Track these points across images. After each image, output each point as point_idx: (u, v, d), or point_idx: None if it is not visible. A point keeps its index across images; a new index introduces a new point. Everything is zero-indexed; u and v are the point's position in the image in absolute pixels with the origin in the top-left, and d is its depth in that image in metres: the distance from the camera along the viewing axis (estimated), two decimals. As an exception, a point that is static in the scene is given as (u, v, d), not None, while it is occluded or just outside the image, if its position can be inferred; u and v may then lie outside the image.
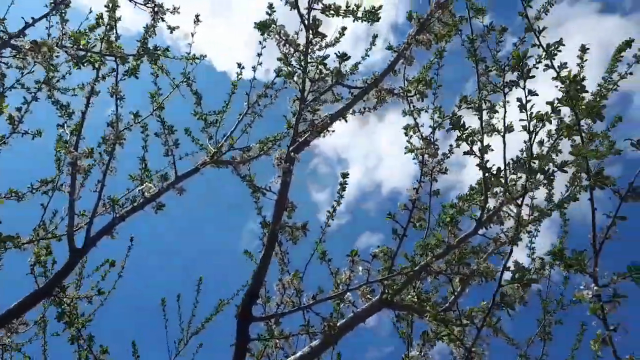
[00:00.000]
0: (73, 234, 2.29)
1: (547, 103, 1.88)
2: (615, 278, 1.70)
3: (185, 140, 2.75)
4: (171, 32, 2.23)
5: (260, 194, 2.05)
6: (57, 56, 1.97)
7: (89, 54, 1.95)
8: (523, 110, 1.82)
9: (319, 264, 2.39)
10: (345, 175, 2.34)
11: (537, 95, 1.80)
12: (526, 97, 1.80)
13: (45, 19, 2.20)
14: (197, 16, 2.65)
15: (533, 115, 1.84)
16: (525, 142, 2.26)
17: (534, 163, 1.87)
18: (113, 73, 2.36)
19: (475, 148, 2.09)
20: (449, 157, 2.39)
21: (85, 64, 1.96)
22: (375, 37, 2.42)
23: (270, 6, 2.20)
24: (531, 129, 1.86)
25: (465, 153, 2.15)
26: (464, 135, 2.06)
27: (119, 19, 2.25)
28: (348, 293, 2.15)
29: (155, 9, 2.03)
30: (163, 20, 2.13)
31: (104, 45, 2.01)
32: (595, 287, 1.71)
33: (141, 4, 2.04)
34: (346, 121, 2.11)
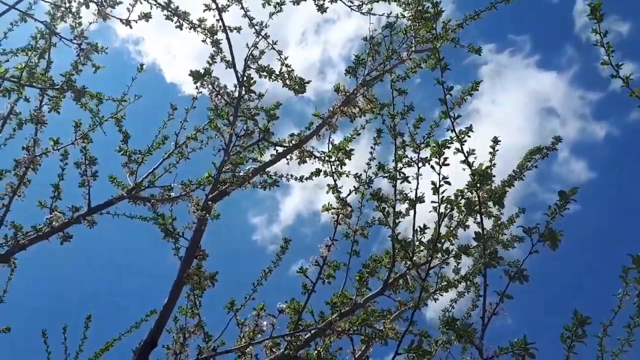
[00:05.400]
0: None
1: (458, 190, 2.03)
2: (498, 351, 1.84)
3: (107, 173, 2.70)
4: (95, 72, 2.22)
5: (172, 238, 2.04)
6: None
7: (5, 82, 1.89)
8: (436, 193, 1.95)
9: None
10: (287, 241, 2.65)
11: (450, 184, 1.93)
12: (440, 181, 1.93)
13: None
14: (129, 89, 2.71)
15: (444, 199, 1.98)
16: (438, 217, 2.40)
17: (440, 243, 2.00)
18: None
19: (390, 219, 2.21)
20: (371, 226, 2.50)
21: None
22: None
23: (212, 57, 2.26)
24: (441, 210, 1.99)
25: (380, 222, 2.27)
26: (380, 207, 2.18)
27: (53, 45, 2.20)
28: (251, 346, 2.15)
29: (82, 45, 2.02)
30: (90, 60, 2.12)
31: (26, 74, 1.97)
32: (480, 359, 1.83)
33: (67, 39, 2.02)
34: (269, 176, 2.17)
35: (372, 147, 2.34)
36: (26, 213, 2.53)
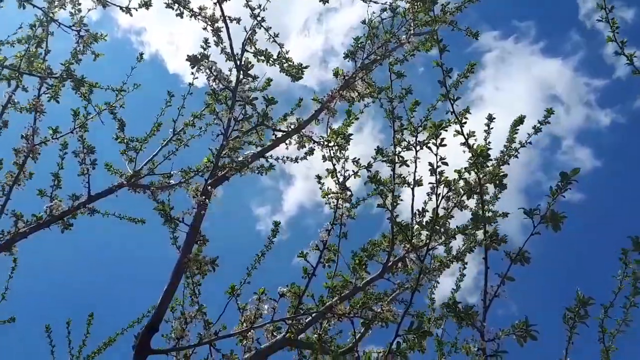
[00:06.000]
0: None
1: (455, 171, 2.03)
2: (499, 334, 1.84)
3: (106, 160, 2.70)
4: (94, 60, 2.21)
5: (172, 224, 2.05)
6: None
7: (4, 70, 1.89)
8: (433, 174, 1.96)
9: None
10: (277, 224, 2.63)
11: (447, 165, 1.93)
12: (437, 162, 1.93)
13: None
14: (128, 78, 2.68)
15: (442, 180, 1.98)
16: (428, 196, 2.40)
17: (438, 225, 2.01)
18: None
19: (388, 202, 2.22)
20: (356, 206, 2.51)
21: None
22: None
23: (206, 41, 2.25)
24: (439, 192, 2.00)
25: (378, 206, 2.28)
26: (378, 189, 2.19)
27: (50, 34, 2.20)
28: (252, 331, 2.17)
29: (81, 33, 2.01)
30: (89, 47, 2.11)
31: (24, 63, 1.97)
32: (481, 341, 1.84)
33: (66, 27, 2.01)
34: (267, 160, 2.17)
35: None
36: (27, 202, 2.53)
